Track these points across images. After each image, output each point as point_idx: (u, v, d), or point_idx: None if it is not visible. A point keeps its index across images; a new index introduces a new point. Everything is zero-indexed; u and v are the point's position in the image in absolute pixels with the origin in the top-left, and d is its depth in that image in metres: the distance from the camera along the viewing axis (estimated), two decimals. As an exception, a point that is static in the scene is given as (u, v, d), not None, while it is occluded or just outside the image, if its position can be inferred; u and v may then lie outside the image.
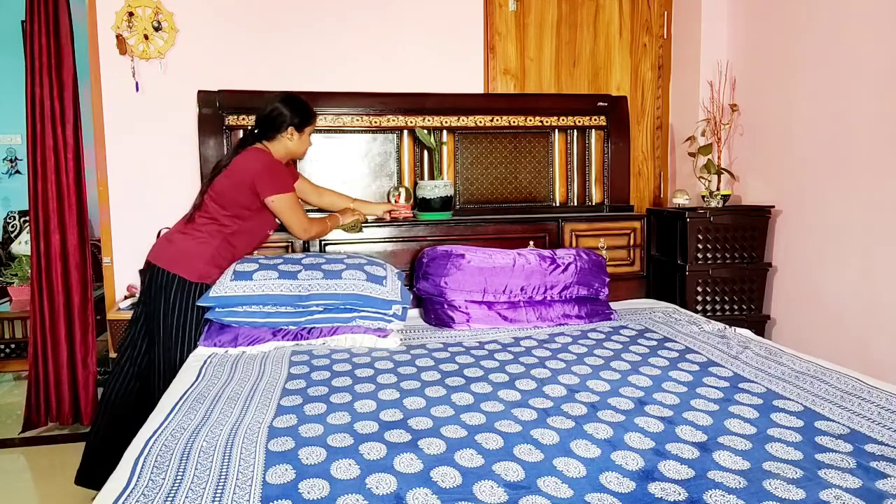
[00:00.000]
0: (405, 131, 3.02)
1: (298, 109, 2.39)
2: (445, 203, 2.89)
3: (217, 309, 2.22)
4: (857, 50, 2.48)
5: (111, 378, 2.35)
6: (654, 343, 2.19)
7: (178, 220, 2.42)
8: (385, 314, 2.28)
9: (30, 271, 4.01)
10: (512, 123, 3.09)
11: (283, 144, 2.40)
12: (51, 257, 2.93)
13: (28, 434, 2.97)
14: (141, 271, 2.45)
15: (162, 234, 2.46)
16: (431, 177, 3.03)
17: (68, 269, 2.96)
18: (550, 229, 2.93)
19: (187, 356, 2.17)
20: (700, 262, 2.87)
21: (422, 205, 2.90)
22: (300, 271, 2.31)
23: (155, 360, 2.27)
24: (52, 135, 2.88)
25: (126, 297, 2.93)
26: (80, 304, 2.98)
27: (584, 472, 1.25)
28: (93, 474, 2.34)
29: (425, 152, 3.05)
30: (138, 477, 1.26)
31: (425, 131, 2.95)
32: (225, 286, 2.24)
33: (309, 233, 2.50)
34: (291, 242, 2.72)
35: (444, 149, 3.05)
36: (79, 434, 2.99)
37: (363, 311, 2.27)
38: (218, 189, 2.32)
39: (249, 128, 2.39)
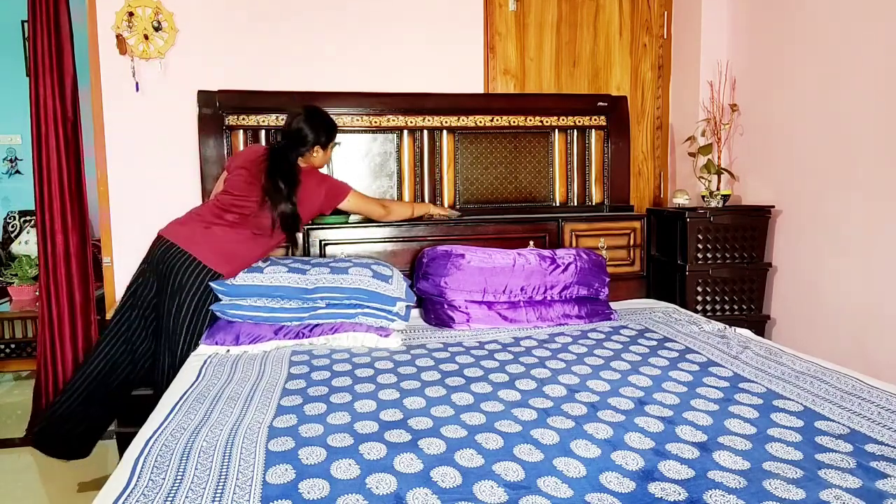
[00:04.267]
0: (405, 131, 3.02)
1: (323, 127, 2.44)
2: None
3: (224, 299, 2.25)
4: (857, 50, 2.48)
5: (97, 352, 2.29)
6: (654, 343, 2.19)
7: (209, 206, 2.38)
8: (389, 311, 2.31)
9: (31, 272, 4.03)
10: (512, 123, 3.09)
11: (308, 160, 2.46)
12: (56, 257, 2.93)
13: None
14: (157, 247, 2.30)
15: (191, 212, 2.39)
16: (431, 176, 3.03)
17: (71, 269, 2.96)
18: (550, 229, 2.93)
19: (195, 348, 2.20)
20: (700, 262, 2.87)
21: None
22: (309, 269, 2.35)
23: (160, 349, 2.27)
24: (54, 135, 2.88)
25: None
26: (82, 303, 2.98)
27: (584, 472, 1.25)
28: (50, 440, 2.36)
29: (425, 152, 3.05)
30: (138, 477, 1.26)
31: None
32: (236, 276, 2.29)
33: (389, 209, 2.69)
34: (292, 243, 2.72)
35: (445, 149, 3.05)
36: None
37: (367, 307, 2.29)
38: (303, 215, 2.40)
39: (279, 141, 2.50)
